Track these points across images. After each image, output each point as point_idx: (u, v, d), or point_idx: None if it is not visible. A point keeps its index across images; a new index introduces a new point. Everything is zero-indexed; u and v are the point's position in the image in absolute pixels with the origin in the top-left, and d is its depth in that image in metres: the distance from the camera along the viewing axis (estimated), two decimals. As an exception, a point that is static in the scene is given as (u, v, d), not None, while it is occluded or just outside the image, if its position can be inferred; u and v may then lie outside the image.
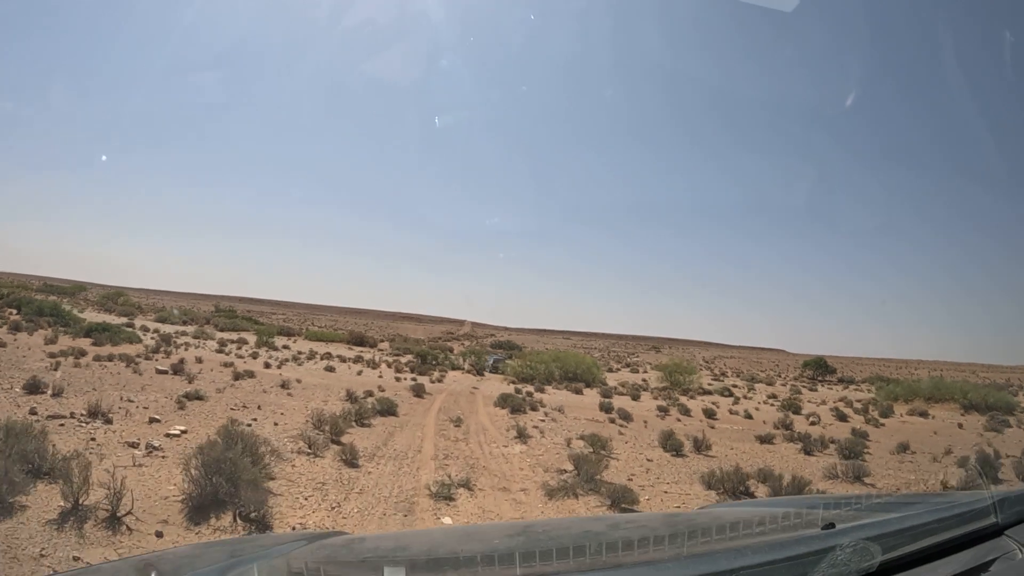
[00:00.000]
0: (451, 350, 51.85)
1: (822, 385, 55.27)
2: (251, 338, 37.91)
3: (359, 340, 59.11)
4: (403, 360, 35.59)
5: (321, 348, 39.84)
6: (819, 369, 73.78)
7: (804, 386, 48.26)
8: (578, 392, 24.47)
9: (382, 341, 66.26)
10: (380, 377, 23.61)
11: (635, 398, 23.67)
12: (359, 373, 24.77)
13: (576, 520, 4.79)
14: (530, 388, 23.77)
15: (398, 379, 23.50)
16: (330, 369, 24.25)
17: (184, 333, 34.21)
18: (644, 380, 37.19)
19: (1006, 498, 1.72)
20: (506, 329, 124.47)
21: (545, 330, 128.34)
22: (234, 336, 38.79)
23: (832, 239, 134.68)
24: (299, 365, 25.13)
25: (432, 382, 23.70)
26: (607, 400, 19.70)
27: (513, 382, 27.04)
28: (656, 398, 24.50)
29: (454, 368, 35.88)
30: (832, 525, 1.64)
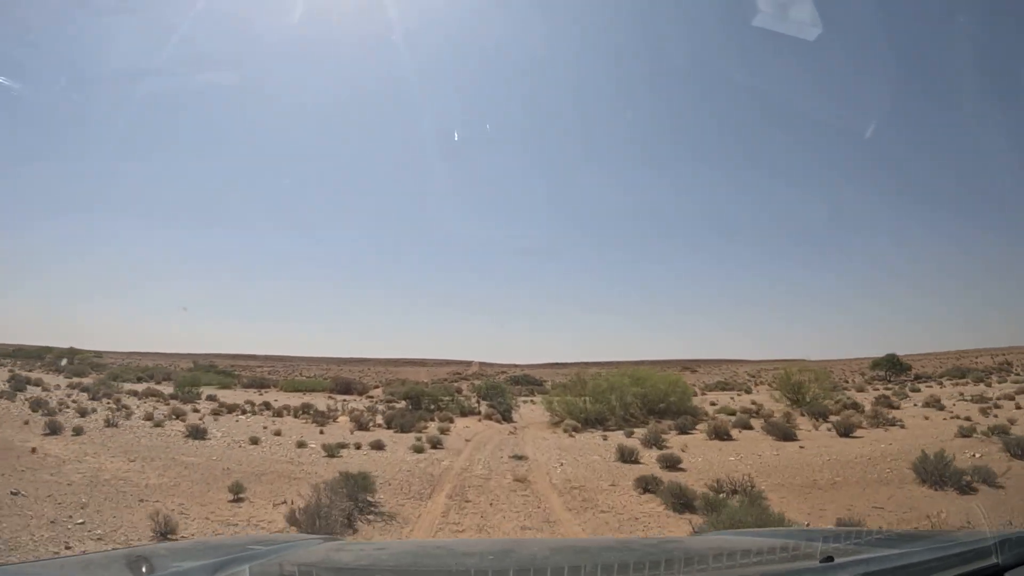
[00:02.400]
0: (459, 391, 43.01)
1: (922, 384, 44.69)
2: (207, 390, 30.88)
3: (345, 388, 51.67)
4: (381, 408, 23.43)
5: (294, 400, 29.41)
6: (891, 368, 63.03)
7: (895, 388, 38.37)
8: (722, 439, 12.25)
9: (375, 387, 57.22)
10: (303, 446, 11.45)
11: (790, 436, 11.51)
12: (252, 443, 12.26)
13: (570, 541, 4.62)
14: (632, 442, 11.68)
15: (333, 454, 11.05)
16: (199, 435, 12.08)
17: (80, 385, 26.94)
18: (713, 402, 24.98)
19: (1008, 539, 1.59)
20: (515, 366, 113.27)
21: (559, 363, 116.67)
22: (160, 389, 29.71)
23: (831, 240, 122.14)
24: (176, 423, 13.19)
25: (416, 450, 11.67)
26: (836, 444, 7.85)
27: (577, 428, 14.97)
28: (825, 427, 12.55)
29: (465, 413, 23.87)
30: (831, 559, 1.57)
